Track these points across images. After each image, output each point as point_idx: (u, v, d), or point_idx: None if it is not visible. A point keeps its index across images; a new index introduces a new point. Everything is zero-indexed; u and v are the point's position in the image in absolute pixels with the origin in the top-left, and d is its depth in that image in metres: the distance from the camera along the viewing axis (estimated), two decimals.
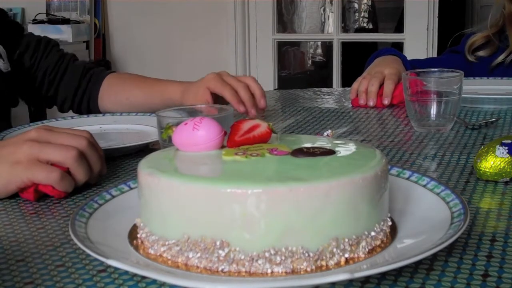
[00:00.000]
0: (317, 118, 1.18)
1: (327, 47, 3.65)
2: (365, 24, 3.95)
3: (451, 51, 1.63)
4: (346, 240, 0.49)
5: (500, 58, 1.48)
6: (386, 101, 1.24)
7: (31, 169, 0.71)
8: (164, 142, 0.79)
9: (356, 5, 3.91)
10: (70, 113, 1.34)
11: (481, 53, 1.53)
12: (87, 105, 1.29)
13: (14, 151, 0.72)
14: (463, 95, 1.08)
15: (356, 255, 0.50)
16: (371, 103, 1.26)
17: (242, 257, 0.48)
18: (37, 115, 1.26)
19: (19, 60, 1.26)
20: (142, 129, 1.08)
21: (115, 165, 0.88)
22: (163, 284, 0.51)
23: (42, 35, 1.32)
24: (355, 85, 1.31)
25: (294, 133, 1.07)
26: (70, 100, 1.29)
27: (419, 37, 2.87)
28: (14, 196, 0.73)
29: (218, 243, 0.48)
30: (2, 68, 1.20)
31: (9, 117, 1.26)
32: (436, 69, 1.11)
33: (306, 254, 0.48)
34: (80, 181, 0.75)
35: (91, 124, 1.11)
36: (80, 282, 0.52)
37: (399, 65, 1.35)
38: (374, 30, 3.85)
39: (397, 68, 1.31)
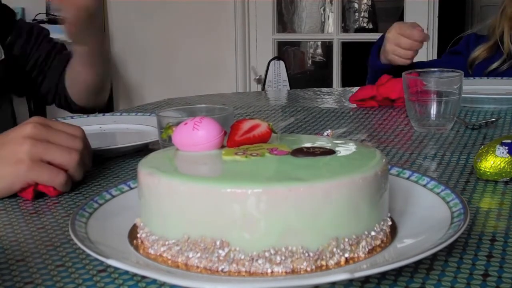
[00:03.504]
0: (317, 118, 1.18)
1: (327, 47, 3.65)
2: (365, 24, 3.95)
3: (451, 52, 1.63)
4: (346, 240, 0.49)
5: (494, 65, 1.48)
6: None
7: (35, 170, 0.71)
8: (164, 142, 0.79)
9: (356, 5, 3.91)
10: (70, 113, 1.34)
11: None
12: (64, 97, 1.31)
13: (15, 150, 0.72)
14: (463, 95, 1.08)
15: (356, 255, 0.50)
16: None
17: (242, 257, 0.48)
18: (37, 114, 1.26)
19: (9, 48, 1.26)
20: (142, 129, 1.07)
21: (115, 165, 0.88)
22: (163, 284, 0.51)
23: (33, 22, 1.35)
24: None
25: (294, 133, 1.07)
26: (53, 91, 1.31)
27: None
28: (14, 195, 0.73)
29: (218, 243, 0.48)
30: None
31: (11, 108, 1.26)
32: (436, 69, 1.11)
33: (306, 254, 0.48)
34: (76, 181, 0.77)
35: (91, 124, 1.11)
36: (80, 282, 0.52)
37: None
38: (374, 30, 3.85)
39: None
